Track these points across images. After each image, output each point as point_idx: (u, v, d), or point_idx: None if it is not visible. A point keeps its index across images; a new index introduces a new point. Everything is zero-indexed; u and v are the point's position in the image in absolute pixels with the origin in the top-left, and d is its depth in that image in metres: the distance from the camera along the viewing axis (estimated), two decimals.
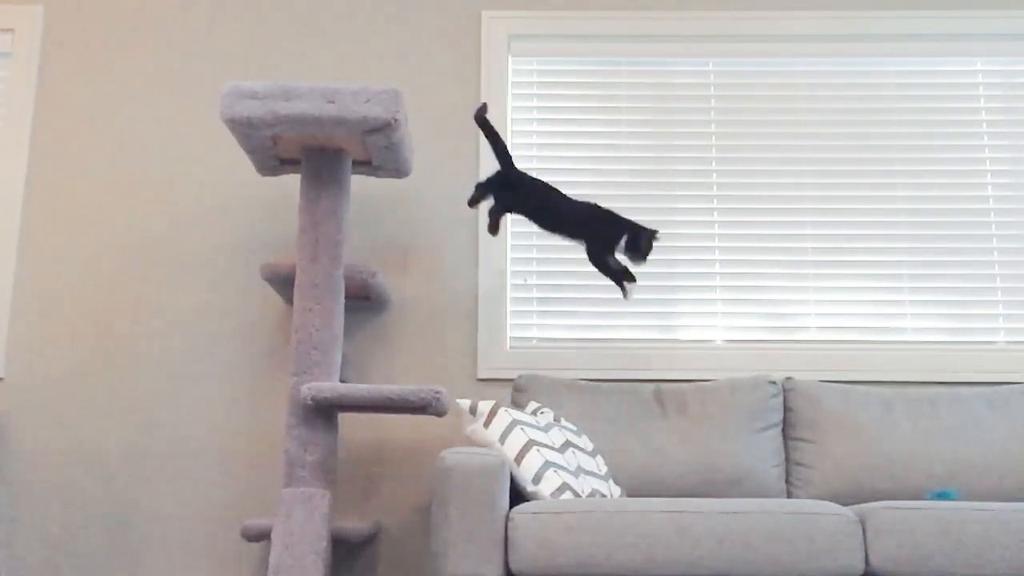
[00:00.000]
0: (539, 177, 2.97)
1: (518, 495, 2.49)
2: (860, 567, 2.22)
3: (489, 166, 3.32)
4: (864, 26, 3.39)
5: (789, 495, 2.91)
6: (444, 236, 3.30)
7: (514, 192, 2.91)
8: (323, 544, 2.54)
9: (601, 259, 2.84)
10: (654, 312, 3.30)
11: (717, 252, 3.33)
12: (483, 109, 2.93)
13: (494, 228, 2.91)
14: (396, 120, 2.63)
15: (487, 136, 2.95)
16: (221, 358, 3.23)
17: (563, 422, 2.80)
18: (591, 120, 3.41)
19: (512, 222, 3.33)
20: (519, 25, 3.41)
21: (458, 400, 2.70)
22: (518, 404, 2.99)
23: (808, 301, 3.29)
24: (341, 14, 3.44)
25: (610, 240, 2.82)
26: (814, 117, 3.40)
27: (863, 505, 2.35)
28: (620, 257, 2.86)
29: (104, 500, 3.14)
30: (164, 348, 3.23)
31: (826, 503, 2.31)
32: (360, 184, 3.33)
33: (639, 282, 3.30)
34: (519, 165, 3.38)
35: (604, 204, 3.35)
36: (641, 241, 2.80)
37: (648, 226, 2.85)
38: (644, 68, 3.45)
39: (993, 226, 3.32)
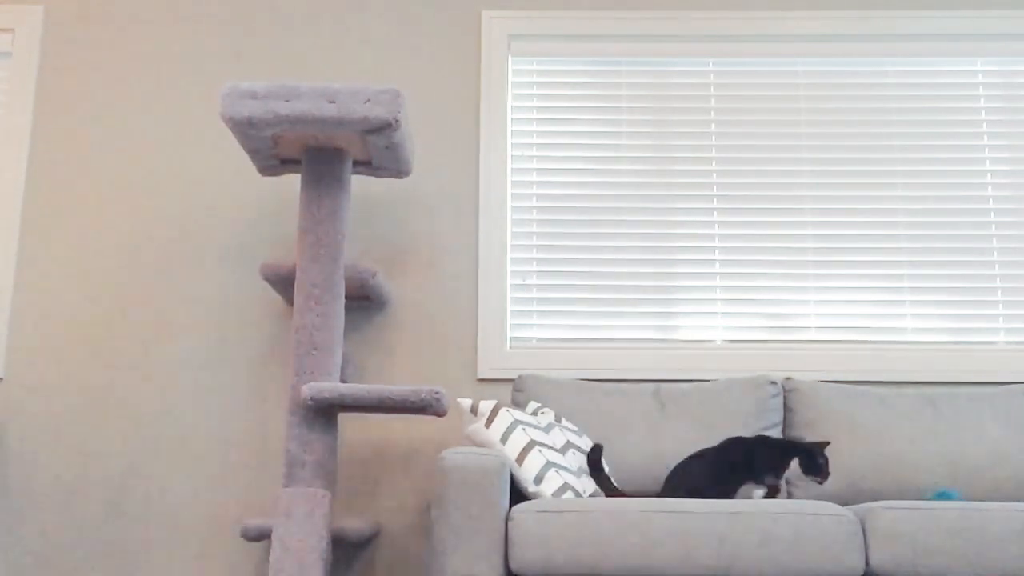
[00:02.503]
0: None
1: (519, 496, 2.49)
2: (860, 567, 2.22)
3: (488, 169, 3.32)
4: (864, 26, 3.39)
5: (789, 495, 2.91)
6: (444, 236, 3.30)
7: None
8: (323, 544, 2.53)
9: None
10: (654, 312, 3.30)
11: (717, 252, 3.33)
12: (596, 451, 2.69)
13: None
14: (396, 120, 2.63)
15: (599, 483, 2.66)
16: (221, 358, 3.22)
17: (564, 422, 2.80)
18: (591, 120, 3.41)
19: (513, 222, 3.33)
20: (519, 25, 3.41)
21: (459, 400, 2.71)
22: (518, 404, 2.99)
23: (808, 301, 3.29)
24: (341, 14, 3.44)
25: (772, 469, 2.60)
26: (814, 117, 3.40)
27: (863, 505, 2.36)
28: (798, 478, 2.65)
29: (104, 500, 3.14)
30: (163, 348, 3.23)
31: (826, 503, 2.31)
32: (360, 184, 3.33)
33: (639, 283, 3.31)
34: (517, 166, 3.38)
35: (609, 210, 3.36)
36: (818, 459, 2.58)
37: (815, 441, 2.66)
38: (644, 68, 3.45)
39: (993, 226, 3.32)
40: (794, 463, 2.59)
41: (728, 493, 2.55)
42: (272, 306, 3.26)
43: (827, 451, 2.80)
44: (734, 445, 2.66)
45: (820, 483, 2.59)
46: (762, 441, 2.66)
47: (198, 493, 3.14)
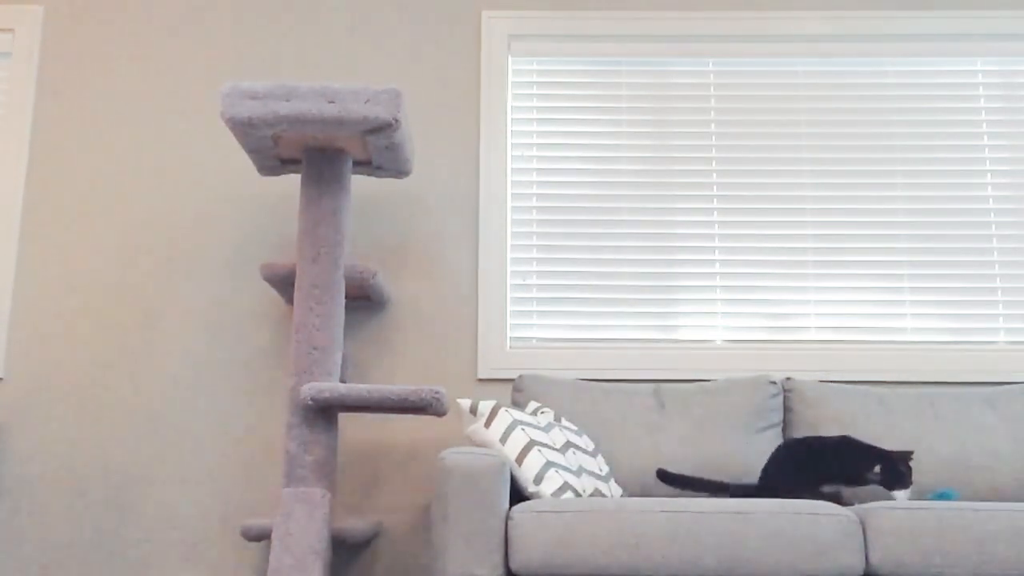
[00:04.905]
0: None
1: (519, 496, 2.49)
2: (860, 567, 2.22)
3: (488, 169, 3.32)
4: (864, 26, 3.39)
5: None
6: (444, 236, 3.30)
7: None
8: (323, 544, 2.54)
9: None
10: (654, 312, 3.30)
11: (717, 252, 3.33)
12: (661, 474, 2.77)
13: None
14: (396, 120, 2.63)
15: (688, 486, 2.74)
16: (221, 358, 3.22)
17: (563, 422, 2.80)
18: (591, 120, 3.41)
19: (513, 222, 3.34)
20: (519, 25, 3.41)
21: (458, 400, 2.70)
22: (518, 404, 2.99)
23: (808, 301, 3.29)
24: (341, 14, 3.44)
25: (856, 476, 2.61)
26: (814, 117, 3.40)
27: (863, 505, 2.36)
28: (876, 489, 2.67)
29: (104, 500, 3.14)
30: (164, 348, 3.23)
31: (826, 503, 2.31)
32: (360, 184, 3.33)
33: (639, 283, 3.31)
34: (517, 166, 3.38)
35: (609, 210, 3.36)
36: (900, 468, 2.57)
37: (898, 450, 2.70)
38: (644, 68, 3.45)
39: (993, 226, 3.32)
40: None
41: (806, 491, 2.58)
42: (272, 306, 3.26)
43: (911, 461, 2.78)
44: (805, 444, 2.68)
45: (902, 490, 2.57)
46: (846, 444, 2.66)
47: (198, 493, 3.14)
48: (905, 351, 3.22)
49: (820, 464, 2.64)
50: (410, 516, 3.12)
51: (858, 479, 2.60)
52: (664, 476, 2.76)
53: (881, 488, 2.64)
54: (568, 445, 2.66)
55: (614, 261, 3.32)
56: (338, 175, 2.79)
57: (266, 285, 3.26)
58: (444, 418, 3.17)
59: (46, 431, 3.19)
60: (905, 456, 2.58)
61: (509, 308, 3.28)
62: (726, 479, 2.84)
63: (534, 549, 2.22)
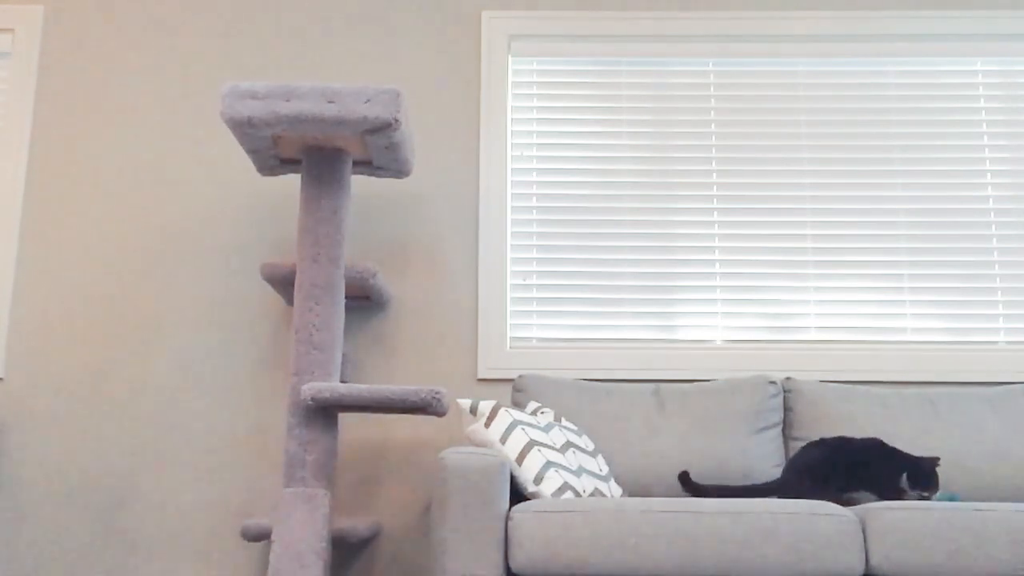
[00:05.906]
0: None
1: (519, 496, 2.49)
2: (860, 567, 2.22)
3: (488, 169, 3.32)
4: (864, 26, 3.39)
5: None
6: (444, 236, 3.30)
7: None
8: (323, 544, 2.54)
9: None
10: (654, 312, 3.30)
11: (717, 252, 3.33)
12: (683, 476, 2.81)
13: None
14: (396, 120, 2.63)
15: (715, 493, 2.75)
16: (221, 358, 3.22)
17: (563, 422, 2.80)
18: (591, 120, 3.41)
19: (513, 222, 3.34)
20: (519, 25, 3.42)
21: (458, 400, 2.70)
22: (518, 404, 2.99)
23: (808, 301, 3.29)
24: (341, 14, 3.44)
25: (888, 482, 2.63)
26: (814, 117, 3.40)
27: (863, 505, 2.36)
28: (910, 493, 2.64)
29: (104, 500, 3.14)
30: (164, 348, 3.23)
31: (826, 503, 2.31)
32: (360, 184, 3.33)
33: (639, 283, 3.31)
34: (517, 166, 3.38)
35: (609, 210, 3.36)
36: (927, 473, 2.60)
37: (926, 455, 2.76)
38: (644, 68, 3.45)
39: (993, 226, 3.32)
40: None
41: (833, 494, 2.60)
42: (272, 306, 3.26)
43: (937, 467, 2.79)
44: (843, 447, 2.70)
45: (927, 498, 2.58)
46: (874, 449, 2.67)
47: (198, 493, 3.14)
48: (905, 351, 3.22)
49: (845, 469, 2.64)
50: (410, 516, 3.12)
51: (891, 492, 2.60)
52: (687, 484, 2.78)
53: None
54: (568, 445, 2.66)
55: (614, 261, 3.32)
56: (338, 175, 2.79)
57: (266, 285, 3.27)
58: (444, 418, 3.17)
59: (46, 431, 3.19)
60: (932, 462, 2.60)
61: (509, 308, 3.28)
62: (727, 480, 2.84)
63: (534, 549, 2.22)
